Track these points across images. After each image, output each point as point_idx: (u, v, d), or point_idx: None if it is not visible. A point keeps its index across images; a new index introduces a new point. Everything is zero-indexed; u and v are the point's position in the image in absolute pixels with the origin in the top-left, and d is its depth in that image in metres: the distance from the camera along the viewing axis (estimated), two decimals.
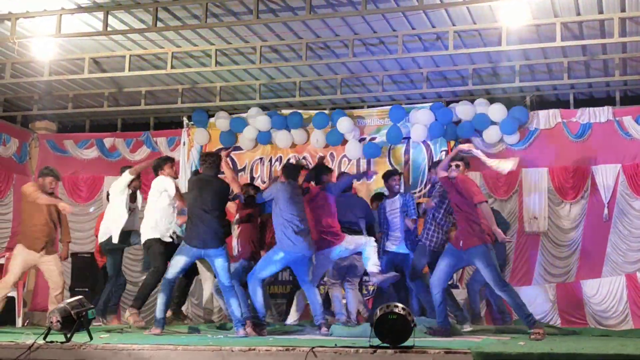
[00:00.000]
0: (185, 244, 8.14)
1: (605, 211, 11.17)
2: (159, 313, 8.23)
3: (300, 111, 12.45)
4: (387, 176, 10.00)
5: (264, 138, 12.28)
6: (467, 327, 8.86)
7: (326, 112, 12.22)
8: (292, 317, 9.76)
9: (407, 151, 11.87)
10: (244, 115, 12.50)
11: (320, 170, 9.32)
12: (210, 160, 8.38)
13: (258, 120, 12.17)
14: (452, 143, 11.63)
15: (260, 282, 8.47)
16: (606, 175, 11.24)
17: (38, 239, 9.05)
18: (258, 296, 8.37)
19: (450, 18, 9.70)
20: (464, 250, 7.79)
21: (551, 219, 11.41)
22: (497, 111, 11.50)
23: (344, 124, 11.81)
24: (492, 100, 11.70)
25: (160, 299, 8.23)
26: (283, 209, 8.36)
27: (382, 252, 9.43)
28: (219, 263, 8.09)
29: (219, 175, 8.42)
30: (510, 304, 7.88)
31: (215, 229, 8.09)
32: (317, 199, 8.92)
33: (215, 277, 8.83)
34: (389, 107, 12.26)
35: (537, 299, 11.05)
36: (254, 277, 8.42)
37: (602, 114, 11.44)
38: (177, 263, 8.17)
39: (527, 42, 10.09)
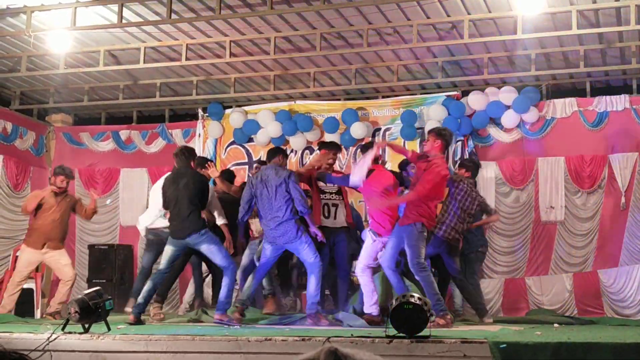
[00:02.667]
0: (170, 236, 8.35)
1: (622, 200, 11.12)
2: (140, 299, 8.27)
3: (313, 102, 12.46)
4: (404, 165, 9.97)
5: (277, 141, 12.22)
6: (488, 319, 8.80)
7: (337, 116, 12.11)
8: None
9: (422, 142, 11.82)
10: (255, 112, 12.46)
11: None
12: (183, 153, 8.46)
13: (270, 127, 12.12)
14: (468, 137, 11.61)
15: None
16: (623, 163, 11.18)
17: (38, 238, 9.53)
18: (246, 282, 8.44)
19: (465, 7, 9.65)
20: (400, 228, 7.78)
21: (568, 208, 11.37)
22: (508, 94, 11.48)
23: (357, 129, 11.76)
24: None
25: (146, 286, 8.32)
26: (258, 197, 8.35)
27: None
28: (204, 248, 8.18)
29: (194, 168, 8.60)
30: (425, 289, 7.70)
31: (190, 218, 8.15)
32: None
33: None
34: (404, 97, 12.25)
35: (554, 288, 11.05)
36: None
37: (619, 102, 11.38)
38: (166, 254, 8.33)
39: (542, 31, 10.01)
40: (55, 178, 9.61)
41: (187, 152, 8.53)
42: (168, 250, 8.33)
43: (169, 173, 8.77)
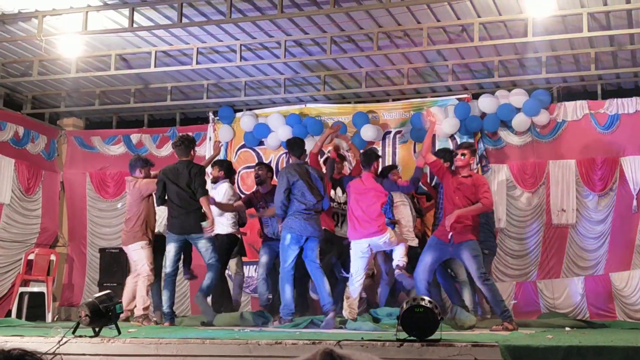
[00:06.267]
0: (168, 233, 8.63)
1: (634, 203, 11.04)
2: (166, 308, 8.60)
3: (323, 106, 12.45)
4: (387, 170, 10.05)
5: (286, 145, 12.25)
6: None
7: (346, 121, 12.06)
8: None
9: (432, 144, 11.77)
10: (266, 116, 12.45)
11: (370, 156, 9.33)
12: (183, 142, 8.88)
13: (281, 131, 12.11)
14: (479, 135, 11.58)
15: (290, 276, 8.56)
16: (635, 166, 11.11)
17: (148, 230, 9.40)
18: (286, 292, 8.49)
19: (475, 9, 9.63)
20: (455, 244, 8.03)
21: (579, 211, 11.31)
22: (519, 96, 11.44)
23: (368, 132, 11.71)
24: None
25: (164, 295, 8.68)
26: (292, 191, 8.62)
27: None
28: (202, 244, 8.60)
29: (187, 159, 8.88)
30: (488, 298, 8.05)
31: (193, 213, 8.52)
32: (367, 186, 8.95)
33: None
34: (414, 100, 12.24)
35: (566, 291, 10.99)
36: (283, 271, 8.59)
37: (630, 104, 11.32)
38: (169, 253, 8.62)
39: (553, 33, 10.00)
40: (143, 169, 9.57)
41: (188, 141, 8.95)
42: (171, 249, 8.53)
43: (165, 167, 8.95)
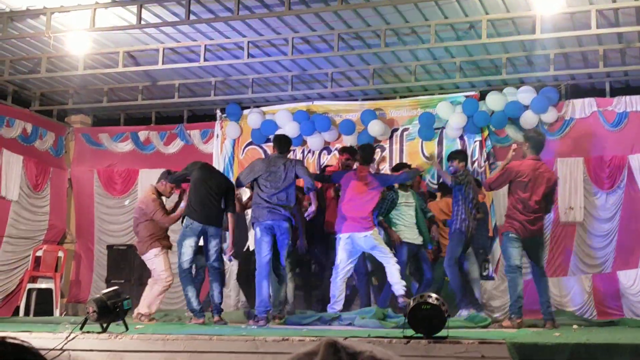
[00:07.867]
0: (188, 221, 8.61)
1: None
2: (196, 305, 8.53)
3: (330, 103, 12.45)
4: (397, 169, 10.06)
5: (295, 141, 12.20)
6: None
7: (354, 118, 12.07)
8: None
9: (440, 142, 11.77)
10: (273, 113, 12.45)
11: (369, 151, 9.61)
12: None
13: (288, 128, 12.09)
14: (486, 133, 11.54)
15: (267, 271, 8.54)
16: None
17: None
18: (263, 288, 8.48)
19: (484, 6, 9.61)
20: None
21: (587, 209, 11.28)
22: (527, 94, 11.40)
23: (375, 129, 11.72)
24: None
25: (190, 292, 8.58)
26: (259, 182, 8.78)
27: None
28: (215, 243, 8.63)
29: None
30: (509, 289, 8.44)
31: (218, 210, 8.69)
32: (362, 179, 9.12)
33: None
34: (422, 97, 12.22)
35: (573, 290, 10.97)
36: (260, 266, 8.60)
37: (638, 102, 11.27)
38: (190, 248, 8.59)
39: (561, 30, 9.96)
40: (166, 184, 9.47)
41: None
42: (191, 243, 8.59)
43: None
